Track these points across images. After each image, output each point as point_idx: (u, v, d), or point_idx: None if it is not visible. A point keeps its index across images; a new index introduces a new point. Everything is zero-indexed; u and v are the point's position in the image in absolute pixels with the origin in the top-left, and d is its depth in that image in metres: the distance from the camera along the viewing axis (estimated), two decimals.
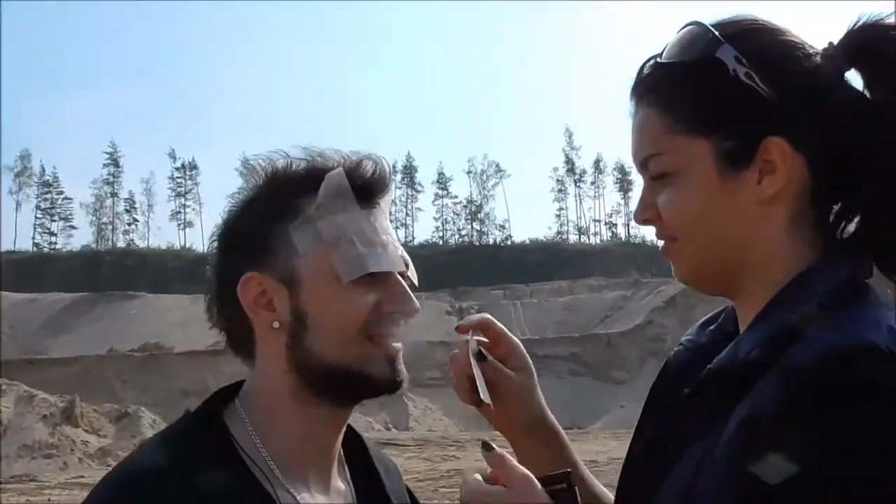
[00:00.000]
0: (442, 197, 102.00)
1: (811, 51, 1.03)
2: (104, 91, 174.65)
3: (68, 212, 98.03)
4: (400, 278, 1.16)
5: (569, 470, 1.09)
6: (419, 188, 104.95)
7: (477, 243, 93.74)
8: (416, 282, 1.22)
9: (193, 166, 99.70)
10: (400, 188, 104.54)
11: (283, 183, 1.15)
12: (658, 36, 1.08)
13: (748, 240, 1.03)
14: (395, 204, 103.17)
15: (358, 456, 1.27)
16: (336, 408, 1.16)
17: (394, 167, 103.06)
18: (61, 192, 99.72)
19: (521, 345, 1.28)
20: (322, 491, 1.17)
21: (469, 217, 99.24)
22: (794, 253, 1.02)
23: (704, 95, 1.02)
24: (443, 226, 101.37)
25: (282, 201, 1.14)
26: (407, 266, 1.18)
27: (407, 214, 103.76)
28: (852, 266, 1.01)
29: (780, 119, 1.00)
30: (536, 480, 1.04)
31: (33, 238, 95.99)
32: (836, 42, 1.04)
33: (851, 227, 1.05)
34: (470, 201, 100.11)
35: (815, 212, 1.03)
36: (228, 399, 1.18)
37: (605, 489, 1.29)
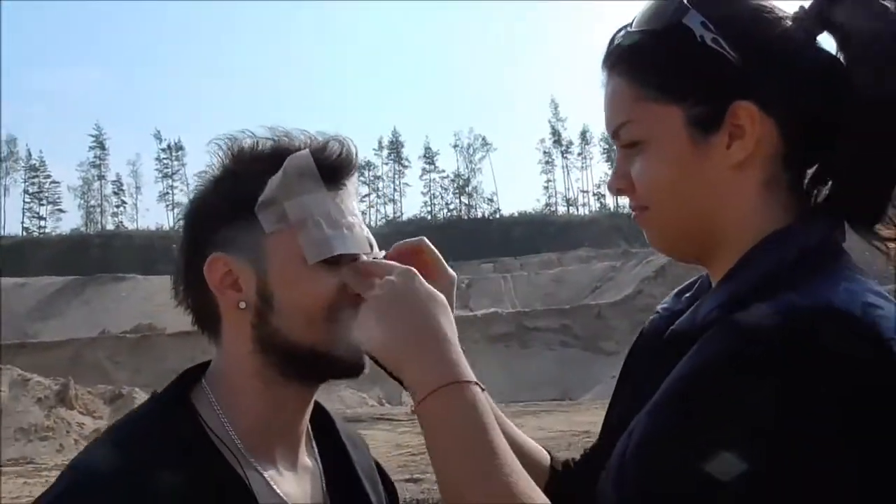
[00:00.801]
0: (429, 171, 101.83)
1: (780, 15, 1.03)
2: (86, 71, 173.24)
3: (56, 195, 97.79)
4: (364, 259, 1.16)
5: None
6: (406, 163, 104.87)
7: (465, 217, 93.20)
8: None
9: (180, 147, 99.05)
10: (387, 164, 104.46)
11: (249, 163, 1.14)
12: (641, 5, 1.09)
13: (720, 205, 1.03)
14: (383, 179, 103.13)
15: (326, 431, 1.28)
16: (301, 387, 1.17)
17: (380, 143, 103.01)
18: (48, 176, 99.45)
19: (443, 263, 1.24)
20: (290, 467, 1.18)
21: (457, 191, 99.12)
22: (765, 217, 1.02)
23: (673, 62, 1.02)
24: (431, 200, 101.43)
25: (248, 181, 1.13)
26: (372, 247, 1.18)
27: (395, 190, 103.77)
28: (824, 230, 1.01)
29: (748, 83, 1.00)
30: (424, 281, 1.07)
31: (22, 222, 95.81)
32: (807, 5, 1.04)
33: (826, 191, 1.05)
34: (457, 175, 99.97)
35: (788, 175, 1.04)
36: (196, 379, 1.18)
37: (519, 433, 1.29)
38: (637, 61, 1.05)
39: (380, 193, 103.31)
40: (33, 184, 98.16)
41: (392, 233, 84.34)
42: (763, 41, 1.01)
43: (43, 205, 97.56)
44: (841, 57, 1.01)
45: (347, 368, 1.14)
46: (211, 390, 1.15)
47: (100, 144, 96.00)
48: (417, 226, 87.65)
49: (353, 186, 1.18)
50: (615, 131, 1.07)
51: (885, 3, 0.98)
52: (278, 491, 1.13)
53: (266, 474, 1.13)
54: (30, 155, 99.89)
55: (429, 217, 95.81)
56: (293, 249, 1.11)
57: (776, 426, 0.84)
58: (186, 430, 1.10)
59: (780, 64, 1.00)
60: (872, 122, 0.97)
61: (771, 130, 1.01)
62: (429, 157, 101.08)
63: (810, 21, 1.03)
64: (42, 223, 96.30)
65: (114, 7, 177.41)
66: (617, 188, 1.09)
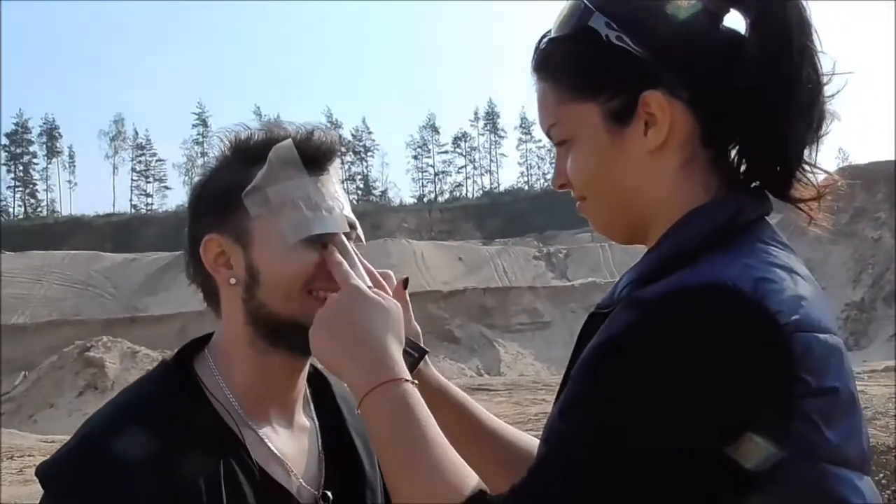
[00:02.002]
0: (525, 142, 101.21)
1: (680, 3, 1.09)
2: (188, 51, 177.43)
3: (162, 173, 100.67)
4: (343, 238, 1.25)
5: (427, 350, 1.31)
6: (502, 134, 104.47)
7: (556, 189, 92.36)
8: (363, 239, 1.31)
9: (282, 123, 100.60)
10: (483, 135, 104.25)
11: (242, 153, 1.26)
12: None
13: (644, 189, 1.10)
14: (479, 151, 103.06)
15: (323, 394, 1.41)
16: (290, 355, 1.26)
17: (475, 114, 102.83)
18: (154, 154, 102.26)
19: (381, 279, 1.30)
20: (285, 427, 1.30)
21: (553, 161, 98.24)
22: (686, 196, 1.09)
23: (584, 63, 1.10)
24: (527, 171, 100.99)
25: (239, 171, 1.24)
26: (353, 227, 1.28)
27: (491, 161, 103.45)
28: (737, 205, 1.07)
29: (655, 73, 1.06)
30: (367, 290, 1.17)
31: (130, 200, 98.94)
32: None
33: (745, 165, 1.12)
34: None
35: (707, 154, 1.09)
36: (199, 348, 1.31)
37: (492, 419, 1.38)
38: (554, 66, 1.13)
39: (476, 165, 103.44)
40: (140, 162, 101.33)
41: (490, 203, 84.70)
42: (664, 32, 1.07)
43: (150, 182, 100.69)
44: (747, 33, 1.07)
45: None
46: (212, 358, 1.29)
47: (202, 122, 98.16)
48: (514, 196, 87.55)
49: (336, 171, 1.29)
50: (547, 132, 1.15)
51: None
52: (273, 447, 1.25)
53: (261, 433, 1.25)
54: (136, 134, 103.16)
55: (525, 187, 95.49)
56: (275, 231, 1.22)
57: (653, 394, 0.92)
58: (188, 394, 1.24)
59: (682, 50, 1.07)
60: (766, 94, 1.04)
61: (683, 114, 1.07)
62: (525, 127, 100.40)
63: (716, 3, 1.09)
64: (149, 200, 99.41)
65: None
66: (559, 184, 1.17)
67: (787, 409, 0.92)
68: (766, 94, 1.05)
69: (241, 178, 1.24)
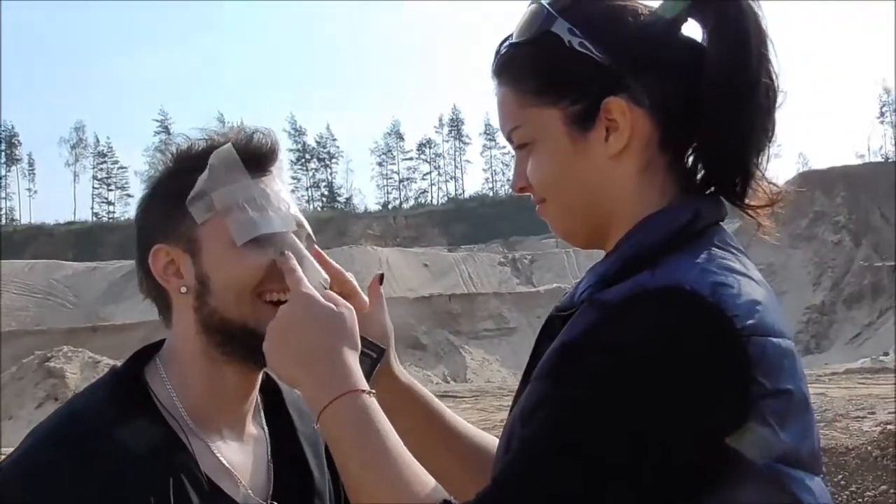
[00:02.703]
0: (490, 148, 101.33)
1: (641, 10, 1.11)
2: (151, 58, 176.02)
3: (124, 181, 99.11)
4: (293, 237, 1.25)
5: (384, 348, 1.27)
6: (466, 140, 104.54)
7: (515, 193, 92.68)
8: (313, 237, 1.30)
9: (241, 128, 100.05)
10: (447, 141, 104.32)
11: (183, 161, 1.26)
12: None
13: (604, 193, 1.11)
14: (444, 157, 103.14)
15: (274, 403, 1.39)
16: (243, 365, 1.25)
17: (440, 120, 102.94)
18: (116, 162, 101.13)
19: (348, 276, 1.32)
20: (235, 438, 1.29)
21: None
22: (644, 201, 1.10)
23: (546, 68, 1.11)
24: (492, 177, 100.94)
25: (182, 178, 1.24)
26: (301, 225, 1.27)
27: (456, 167, 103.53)
28: (693, 210, 1.09)
29: (617, 80, 1.08)
30: (319, 298, 1.14)
31: (92, 208, 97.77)
32: None
33: (701, 171, 1.14)
34: None
35: (664, 159, 1.11)
36: (150, 356, 1.29)
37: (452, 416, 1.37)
38: (516, 70, 1.14)
39: (441, 171, 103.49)
40: (101, 169, 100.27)
41: (455, 209, 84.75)
42: (625, 39, 1.09)
43: (111, 190, 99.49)
44: (705, 42, 1.09)
45: None
46: (162, 366, 1.27)
47: (165, 129, 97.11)
48: (479, 202, 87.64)
49: (279, 171, 1.30)
50: (508, 136, 1.16)
51: None
52: (221, 458, 1.24)
53: (211, 444, 1.24)
54: (98, 141, 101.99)
55: (490, 194, 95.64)
56: (223, 235, 1.21)
57: (615, 397, 0.93)
58: (136, 403, 1.22)
59: (642, 57, 1.08)
60: (724, 101, 1.06)
61: (643, 120, 1.09)
62: (489, 133, 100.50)
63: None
64: (111, 208, 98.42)
65: None
66: (519, 187, 1.18)
67: (744, 411, 0.95)
68: (724, 100, 1.06)
69: (185, 186, 1.23)
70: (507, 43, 1.16)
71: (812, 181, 39.15)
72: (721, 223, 1.12)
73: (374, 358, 1.26)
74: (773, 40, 1.09)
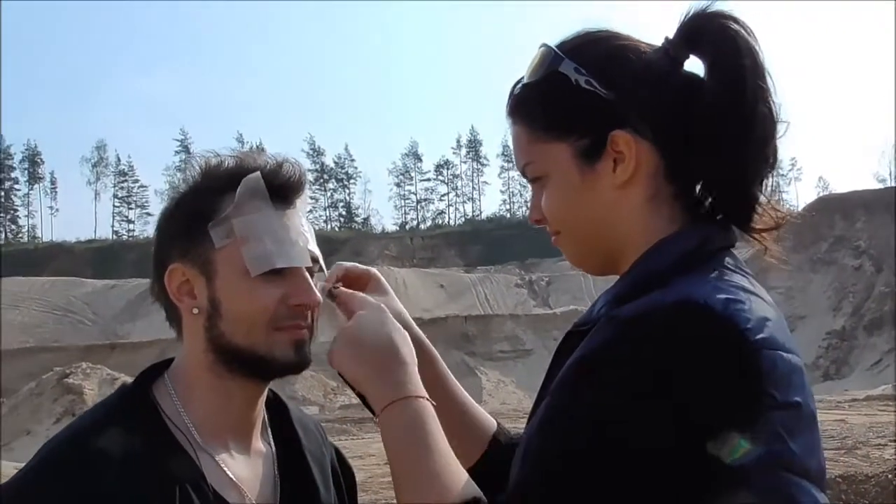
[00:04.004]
0: (508, 170, 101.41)
1: (644, 49, 1.17)
2: (172, 77, 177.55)
3: (144, 199, 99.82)
4: (305, 272, 1.27)
5: None
6: (484, 162, 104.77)
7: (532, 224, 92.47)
8: (326, 272, 1.34)
9: (261, 150, 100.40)
10: (465, 162, 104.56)
11: (210, 180, 1.27)
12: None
13: (614, 222, 1.17)
14: (461, 178, 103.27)
15: (280, 419, 1.42)
16: (249, 382, 1.29)
17: (458, 141, 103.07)
18: (136, 181, 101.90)
19: (377, 272, 1.44)
20: (242, 452, 1.31)
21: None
22: (654, 228, 1.16)
23: (555, 106, 1.17)
24: (510, 198, 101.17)
25: (206, 199, 1.25)
26: (315, 261, 1.29)
27: (473, 188, 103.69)
28: (703, 235, 1.14)
29: (622, 114, 1.14)
30: (390, 314, 1.24)
31: (112, 226, 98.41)
32: (671, 35, 1.17)
33: (709, 199, 1.19)
34: None
35: (672, 188, 1.16)
36: (160, 373, 1.31)
37: (481, 411, 1.46)
38: (527, 109, 1.20)
39: (458, 192, 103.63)
40: (122, 188, 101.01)
41: (472, 231, 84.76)
42: (629, 75, 1.15)
43: (132, 208, 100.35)
44: (706, 77, 1.15)
45: (285, 368, 1.26)
46: (171, 383, 1.29)
47: (185, 148, 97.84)
48: (496, 223, 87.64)
49: (303, 204, 1.31)
50: (522, 171, 1.22)
51: (738, 27, 1.13)
52: (228, 472, 1.25)
53: (218, 458, 1.26)
54: (119, 160, 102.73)
55: (508, 215, 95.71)
56: (238, 262, 1.23)
57: (631, 405, 0.97)
58: (145, 418, 1.24)
59: (645, 92, 1.14)
60: (722, 132, 1.11)
61: (649, 151, 1.14)
62: (507, 155, 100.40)
63: (677, 47, 1.17)
64: (131, 226, 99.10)
65: (197, 10, 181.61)
66: (534, 220, 1.24)
67: (755, 421, 0.98)
68: (724, 131, 1.12)
69: (208, 207, 1.24)
70: (518, 84, 1.23)
71: (832, 205, 39.04)
72: (731, 249, 1.16)
73: None
74: (771, 73, 1.14)
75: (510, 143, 1.24)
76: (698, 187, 1.19)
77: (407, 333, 1.24)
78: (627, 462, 0.96)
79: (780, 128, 1.16)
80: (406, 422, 1.14)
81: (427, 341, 1.40)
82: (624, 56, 1.17)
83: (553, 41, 1.20)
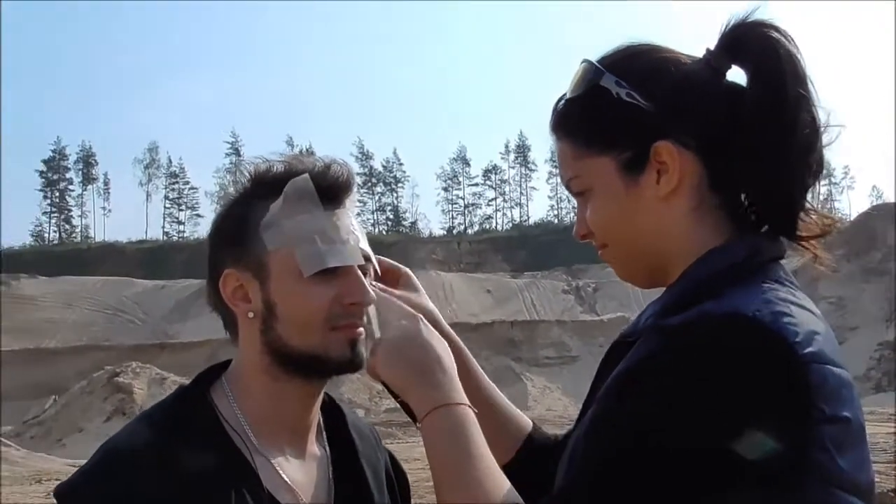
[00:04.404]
0: (556, 175, 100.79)
1: (685, 60, 1.18)
2: (223, 80, 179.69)
3: (194, 201, 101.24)
4: (358, 271, 1.27)
5: None
6: (533, 167, 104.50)
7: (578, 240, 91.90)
8: (379, 271, 1.36)
9: (311, 153, 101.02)
10: (513, 167, 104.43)
11: (260, 186, 1.29)
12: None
13: (659, 233, 1.17)
14: (510, 183, 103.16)
15: (336, 423, 1.42)
16: (305, 383, 1.30)
17: (506, 146, 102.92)
18: (187, 182, 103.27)
19: (407, 270, 1.46)
20: (297, 456, 1.32)
21: None
22: (700, 239, 1.15)
23: (597, 119, 1.17)
24: (557, 204, 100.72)
25: (257, 203, 1.27)
26: (368, 259, 1.30)
27: (521, 194, 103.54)
28: (752, 246, 1.14)
29: (662, 125, 1.14)
30: (430, 325, 1.26)
31: (163, 227, 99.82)
32: (713, 45, 1.18)
33: (755, 210, 1.19)
34: None
35: (717, 199, 1.16)
36: (217, 375, 1.33)
37: (509, 406, 1.48)
38: (570, 124, 1.21)
39: (506, 197, 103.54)
40: (173, 189, 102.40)
41: (519, 236, 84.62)
42: (670, 87, 1.15)
43: (182, 210, 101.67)
44: (748, 86, 1.15)
45: (341, 368, 1.27)
46: (228, 385, 1.31)
47: (235, 151, 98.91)
48: (544, 229, 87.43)
49: (352, 204, 1.32)
50: (567, 185, 1.23)
51: (779, 36, 1.14)
52: (283, 475, 1.27)
53: (273, 460, 1.27)
54: (170, 162, 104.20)
55: (555, 221, 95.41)
56: (291, 264, 1.24)
57: (673, 415, 0.97)
58: (202, 420, 1.26)
59: (687, 103, 1.15)
60: (764, 141, 1.11)
61: (692, 162, 1.14)
62: (556, 160, 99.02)
63: (719, 57, 1.17)
64: (181, 227, 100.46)
65: (249, 13, 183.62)
66: (581, 234, 1.25)
67: (804, 435, 0.98)
68: (765, 139, 1.12)
69: (259, 211, 1.26)
70: (561, 99, 1.24)
71: (886, 214, 38.34)
72: (780, 261, 1.16)
73: None
74: (813, 83, 1.14)
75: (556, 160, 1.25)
76: (744, 197, 1.19)
77: (445, 342, 1.26)
78: (668, 472, 0.97)
79: (831, 134, 1.16)
80: (448, 428, 1.15)
81: (455, 336, 1.41)
82: (664, 68, 1.17)
83: (594, 56, 1.21)
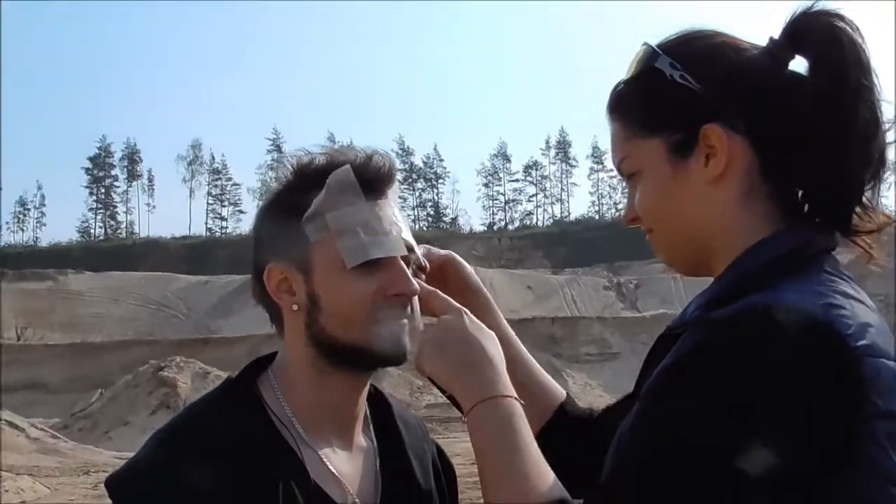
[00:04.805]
0: (597, 171, 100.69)
1: (745, 46, 1.18)
2: (264, 78, 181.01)
3: (237, 197, 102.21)
4: (401, 262, 1.27)
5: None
6: (573, 163, 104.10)
7: (626, 225, 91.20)
8: (423, 262, 1.34)
9: (352, 146, 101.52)
10: (554, 163, 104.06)
11: (302, 178, 1.29)
12: None
13: (705, 218, 1.16)
14: (550, 179, 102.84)
15: (382, 415, 1.43)
16: (349, 375, 1.30)
17: (547, 142, 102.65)
18: (230, 179, 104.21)
19: (454, 255, 1.47)
20: (344, 447, 1.32)
21: (625, 191, 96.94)
22: (748, 227, 1.14)
23: (650, 101, 1.18)
24: (598, 200, 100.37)
25: (299, 196, 1.27)
26: (411, 250, 1.30)
27: (562, 189, 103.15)
28: (803, 237, 1.12)
29: (714, 108, 1.13)
30: (474, 317, 1.26)
31: (206, 223, 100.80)
32: (777, 35, 1.16)
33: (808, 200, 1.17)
34: None
35: (767, 187, 1.15)
36: (263, 368, 1.34)
37: (549, 380, 1.50)
38: (624, 105, 1.22)
39: (547, 193, 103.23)
40: (216, 186, 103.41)
41: (559, 232, 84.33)
42: (726, 71, 1.15)
43: (225, 206, 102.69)
44: (810, 77, 1.13)
45: (386, 360, 1.27)
46: (274, 377, 1.32)
47: (277, 147, 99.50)
48: (585, 225, 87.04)
49: (394, 195, 1.32)
50: (618, 167, 1.23)
51: (843, 25, 1.12)
52: (331, 467, 1.27)
53: (320, 452, 1.28)
54: (213, 158, 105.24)
55: (596, 217, 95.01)
56: (334, 256, 1.24)
57: (722, 409, 0.96)
58: (250, 412, 1.27)
59: (742, 88, 1.13)
60: (821, 131, 1.09)
61: (742, 147, 1.13)
62: (597, 156, 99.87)
63: (782, 47, 1.15)
64: (224, 224, 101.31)
65: (289, 12, 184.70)
66: (629, 218, 1.25)
67: (857, 429, 0.96)
68: (822, 129, 1.10)
69: (302, 204, 1.26)
70: (620, 82, 1.24)
71: None
72: (832, 252, 1.14)
73: None
74: (878, 75, 1.12)
75: (608, 142, 1.25)
76: (797, 188, 1.17)
77: (493, 333, 1.26)
78: (714, 469, 0.95)
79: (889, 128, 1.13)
80: (494, 421, 1.15)
81: (503, 324, 1.43)
82: (721, 52, 1.17)
83: (654, 40, 1.22)
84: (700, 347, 1.02)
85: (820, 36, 1.12)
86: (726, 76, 1.14)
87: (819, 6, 1.14)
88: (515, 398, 1.18)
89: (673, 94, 1.16)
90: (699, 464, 0.96)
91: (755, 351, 0.97)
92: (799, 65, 1.16)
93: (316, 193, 1.26)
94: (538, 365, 1.50)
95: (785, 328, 0.98)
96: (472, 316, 1.26)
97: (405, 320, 1.27)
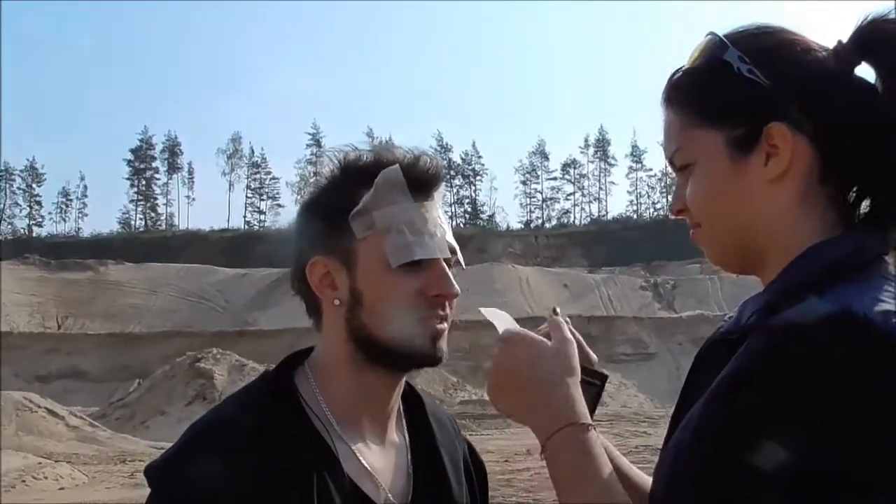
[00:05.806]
0: (636, 170, 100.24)
1: (815, 47, 1.14)
2: (305, 74, 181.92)
3: (275, 191, 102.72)
4: (443, 264, 1.28)
5: (607, 375, 1.32)
6: (612, 162, 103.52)
7: (672, 217, 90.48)
8: (463, 264, 1.34)
9: (393, 144, 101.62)
10: (593, 162, 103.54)
11: (349, 174, 1.29)
12: None
13: (760, 218, 1.13)
14: (588, 178, 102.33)
15: (415, 411, 1.44)
16: (387, 373, 1.31)
17: (586, 140, 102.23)
18: (269, 173, 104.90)
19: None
20: (377, 442, 1.33)
21: (664, 190, 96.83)
22: (804, 228, 1.11)
23: (713, 92, 1.14)
24: (637, 199, 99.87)
25: (346, 192, 1.28)
26: (454, 252, 1.31)
27: (600, 188, 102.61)
28: (859, 241, 1.09)
29: (781, 106, 1.10)
30: (576, 351, 1.23)
31: (244, 216, 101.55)
32: (845, 39, 1.13)
33: (867, 205, 1.14)
34: (665, 174, 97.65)
35: (826, 190, 1.11)
36: (300, 362, 1.35)
37: (631, 466, 1.39)
38: (684, 94, 1.18)
39: (585, 192, 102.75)
40: (255, 179, 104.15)
41: (597, 231, 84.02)
42: (796, 70, 1.11)
43: (263, 199, 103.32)
44: (879, 85, 1.11)
45: (424, 360, 1.28)
46: (311, 372, 1.32)
47: (316, 142, 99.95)
48: (622, 224, 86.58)
49: (440, 196, 1.34)
50: (670, 159, 1.19)
51: None
52: (363, 461, 1.28)
53: (354, 447, 1.28)
54: (252, 152, 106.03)
55: (634, 216, 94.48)
56: (379, 254, 1.25)
57: (786, 420, 0.94)
58: (286, 405, 1.27)
59: (811, 89, 1.10)
60: (889, 141, 1.07)
61: (805, 148, 1.10)
62: (636, 155, 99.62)
63: (850, 52, 1.12)
64: (262, 217, 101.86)
65: (328, 10, 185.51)
66: (676, 210, 1.21)
67: None
68: (888, 141, 1.08)
69: (349, 199, 1.27)
70: (678, 71, 1.21)
71: None
72: (885, 257, 1.11)
73: (598, 385, 1.30)
74: None
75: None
76: (853, 193, 1.14)
77: (564, 353, 1.21)
78: (780, 479, 0.93)
79: None
80: (570, 451, 1.13)
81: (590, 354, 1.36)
82: (792, 50, 1.14)
83: (721, 31, 1.18)
84: (764, 357, 0.99)
85: (890, 46, 1.10)
86: (796, 75, 1.11)
87: (892, 15, 1.12)
88: (591, 424, 1.15)
89: (739, 88, 1.12)
90: (761, 478, 0.93)
91: (817, 362, 0.95)
92: (863, 71, 1.14)
93: (363, 190, 1.26)
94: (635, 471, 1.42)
95: (846, 337, 0.96)
96: (536, 338, 1.22)
97: (444, 323, 1.28)
